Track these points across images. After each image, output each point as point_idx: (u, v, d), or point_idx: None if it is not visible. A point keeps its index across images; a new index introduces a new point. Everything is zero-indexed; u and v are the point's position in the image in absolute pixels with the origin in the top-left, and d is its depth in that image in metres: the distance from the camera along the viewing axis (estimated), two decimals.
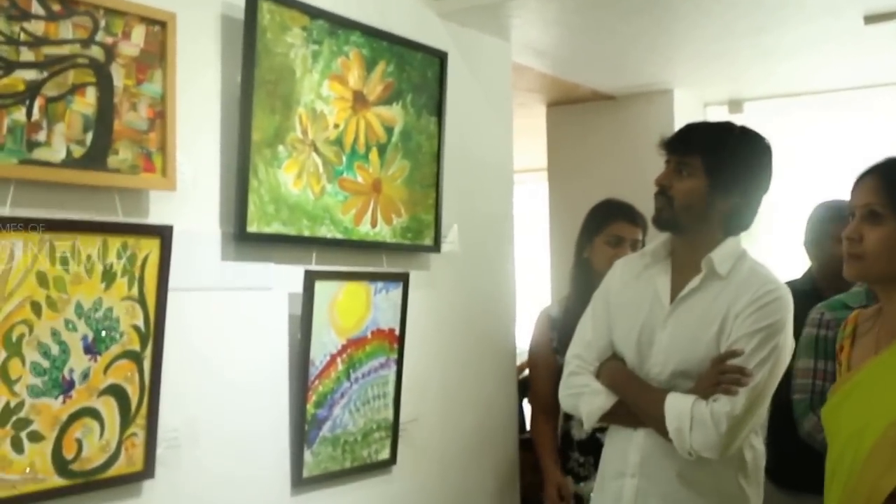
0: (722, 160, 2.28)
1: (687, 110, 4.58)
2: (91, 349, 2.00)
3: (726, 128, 2.37)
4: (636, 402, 2.31)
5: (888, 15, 3.29)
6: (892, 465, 1.82)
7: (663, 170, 2.35)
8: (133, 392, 2.08)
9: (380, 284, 2.74)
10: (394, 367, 2.81)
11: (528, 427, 3.57)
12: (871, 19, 3.33)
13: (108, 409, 2.03)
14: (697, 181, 2.28)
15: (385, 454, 2.80)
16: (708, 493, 2.27)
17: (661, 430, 2.23)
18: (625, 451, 2.36)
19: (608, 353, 2.41)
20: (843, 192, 2.08)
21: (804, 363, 2.87)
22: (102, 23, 2.03)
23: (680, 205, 2.29)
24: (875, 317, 2.04)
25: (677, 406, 2.21)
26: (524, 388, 3.59)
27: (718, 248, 2.29)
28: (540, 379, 3.32)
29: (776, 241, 5.09)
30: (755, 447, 2.35)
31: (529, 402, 3.49)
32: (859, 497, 1.86)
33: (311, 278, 2.51)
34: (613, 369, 2.38)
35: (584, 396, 2.38)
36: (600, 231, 3.27)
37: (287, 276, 2.51)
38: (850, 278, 2.04)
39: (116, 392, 2.05)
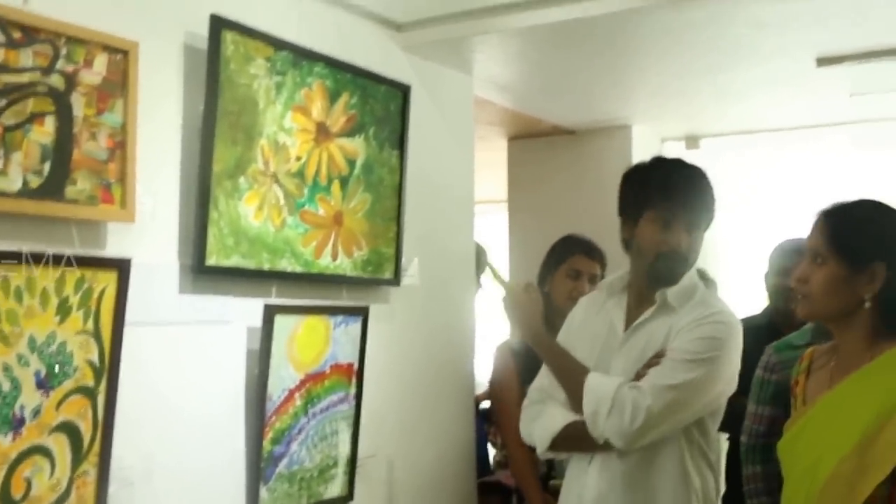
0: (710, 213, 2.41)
1: (645, 145, 4.61)
2: (43, 384, 1.92)
3: (673, 165, 2.45)
4: (556, 371, 2.38)
5: (839, 58, 3.35)
6: (844, 500, 1.84)
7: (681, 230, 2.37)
8: (86, 429, 2.01)
9: (339, 318, 2.69)
10: (352, 402, 2.76)
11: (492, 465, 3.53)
12: (823, 62, 3.39)
13: (60, 446, 1.96)
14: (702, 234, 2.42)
15: (342, 491, 2.74)
16: None
17: (579, 408, 2.28)
18: (581, 491, 2.37)
19: None
20: (795, 228, 2.13)
21: (750, 406, 2.90)
22: (63, 51, 1.97)
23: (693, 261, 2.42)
24: (830, 353, 2.08)
25: (600, 387, 2.25)
26: (483, 419, 3.56)
27: (675, 286, 2.36)
28: (508, 408, 3.27)
29: (731, 275, 5.12)
30: (706, 476, 2.35)
31: (500, 433, 3.44)
32: None
33: (270, 312, 2.46)
34: (548, 340, 2.47)
35: (538, 422, 2.41)
36: (560, 265, 3.34)
37: (246, 310, 2.46)
38: (801, 317, 2.12)
39: (68, 429, 1.98)
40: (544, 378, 2.49)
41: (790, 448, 2.06)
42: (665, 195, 2.32)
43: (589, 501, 2.32)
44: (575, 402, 2.30)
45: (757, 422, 2.85)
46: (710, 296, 2.38)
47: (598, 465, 2.33)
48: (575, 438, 2.33)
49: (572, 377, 2.33)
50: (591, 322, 2.47)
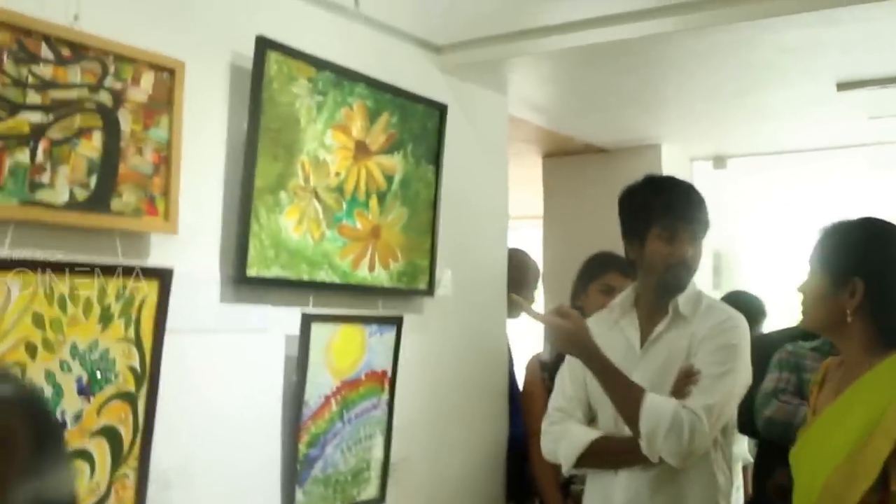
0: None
1: (674, 164, 4.50)
2: (85, 390, 1.86)
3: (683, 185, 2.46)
4: (610, 387, 2.24)
5: (858, 83, 3.29)
6: (842, 500, 1.80)
7: (685, 241, 2.36)
8: (126, 433, 1.94)
9: (374, 327, 2.61)
10: (385, 408, 2.67)
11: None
12: (843, 86, 3.33)
13: (100, 450, 1.89)
14: (701, 247, 2.41)
15: (374, 493, 2.66)
16: None
17: (631, 427, 2.20)
18: (608, 495, 2.29)
19: (588, 405, 2.39)
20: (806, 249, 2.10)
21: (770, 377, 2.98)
22: (112, 69, 1.91)
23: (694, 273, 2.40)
24: (839, 365, 2.06)
25: (658, 407, 2.16)
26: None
27: (684, 293, 2.35)
28: (536, 419, 3.18)
29: (755, 288, 4.99)
30: (727, 474, 2.32)
31: (526, 441, 3.34)
32: None
33: (307, 321, 2.38)
34: (605, 361, 2.30)
35: (563, 441, 2.34)
36: (594, 280, 3.25)
37: (284, 319, 2.39)
38: (801, 327, 2.12)
39: (109, 433, 1.91)
40: (561, 399, 2.43)
41: (797, 458, 2.03)
42: (667, 211, 2.33)
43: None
44: (629, 420, 2.19)
45: (783, 381, 2.97)
46: (714, 301, 2.42)
47: (627, 471, 2.27)
48: (603, 454, 2.27)
49: (629, 396, 2.20)
50: (604, 341, 2.35)
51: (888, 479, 1.75)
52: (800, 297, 2.00)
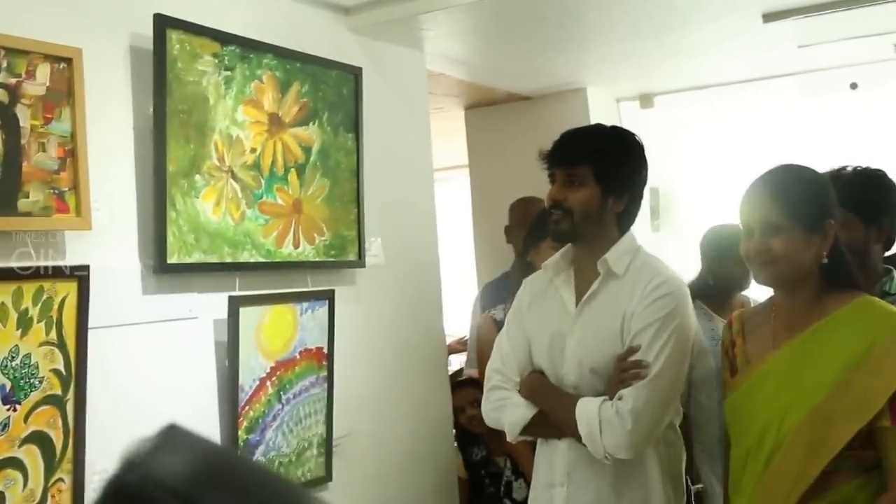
0: (610, 165, 2.29)
1: (600, 107, 4.60)
2: (9, 399, 1.90)
3: (605, 132, 2.38)
4: (553, 412, 2.28)
5: (785, 13, 3.35)
6: (820, 446, 1.90)
7: (554, 184, 2.32)
8: (57, 437, 1.99)
9: (305, 304, 2.67)
10: (324, 385, 2.75)
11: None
12: (769, 17, 3.39)
13: (31, 457, 1.94)
14: (591, 189, 2.27)
15: (320, 472, 2.74)
16: (634, 497, 2.25)
17: (577, 436, 2.20)
18: (552, 460, 2.34)
19: (526, 366, 2.38)
20: (747, 176, 2.12)
21: None
22: (4, 63, 1.92)
23: (578, 215, 2.28)
24: (764, 314, 2.15)
25: (586, 410, 2.18)
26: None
27: (613, 249, 2.29)
28: None
29: (686, 227, 5.11)
30: (671, 443, 2.32)
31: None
32: (786, 476, 1.94)
33: (235, 304, 2.43)
34: (532, 381, 2.35)
35: (506, 409, 2.35)
36: (546, 237, 3.28)
37: (211, 304, 2.44)
38: (765, 284, 2.11)
39: (39, 439, 1.96)
40: (498, 361, 2.42)
41: (745, 405, 2.09)
42: (545, 154, 2.33)
43: (561, 471, 2.30)
44: (571, 430, 2.21)
45: None
46: (651, 258, 2.34)
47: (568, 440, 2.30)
48: (545, 426, 2.31)
49: (564, 406, 2.23)
50: (540, 302, 2.41)
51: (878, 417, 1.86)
52: (763, 257, 2.01)
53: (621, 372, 2.20)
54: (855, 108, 4.78)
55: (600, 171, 2.27)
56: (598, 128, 2.43)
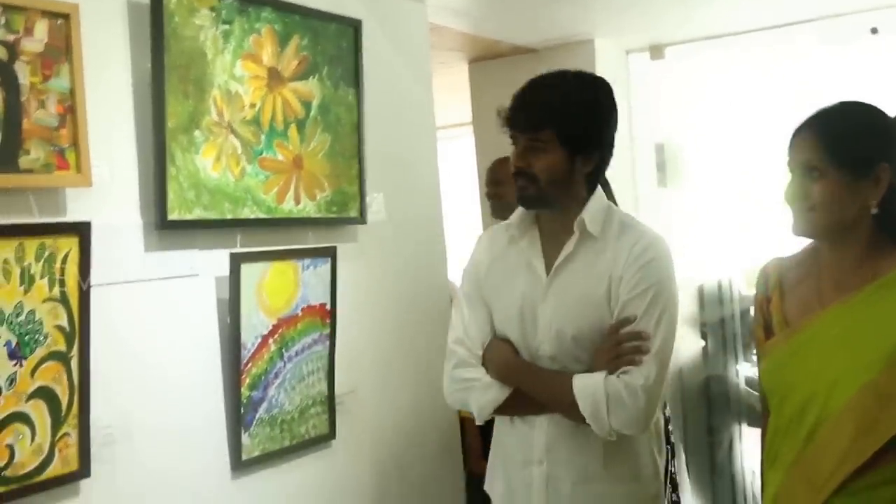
0: (576, 126, 2.17)
1: (608, 58, 4.62)
2: (15, 354, 2.00)
3: (568, 87, 2.20)
4: (537, 392, 2.21)
5: None
6: (872, 428, 1.79)
7: (515, 149, 2.22)
8: (62, 393, 2.09)
9: (307, 261, 2.76)
10: (327, 342, 2.84)
11: None
12: None
13: (38, 412, 2.05)
14: (556, 154, 2.17)
15: (324, 429, 2.85)
16: (622, 470, 2.22)
17: (574, 415, 2.13)
18: (529, 437, 2.25)
19: (488, 336, 2.29)
20: (764, 129, 2.00)
21: None
22: (2, 20, 2.00)
23: (545, 181, 2.18)
24: (807, 267, 2.00)
25: (589, 387, 2.11)
26: None
27: (587, 208, 2.20)
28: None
29: (689, 181, 5.14)
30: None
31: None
32: (830, 455, 1.84)
33: (236, 261, 2.52)
34: (503, 361, 2.25)
35: (475, 391, 2.24)
36: None
37: (212, 261, 2.53)
38: (801, 234, 1.96)
39: (45, 394, 2.06)
40: (461, 330, 2.31)
41: (778, 374, 1.98)
42: (504, 116, 2.22)
43: (540, 447, 2.23)
44: (568, 410, 2.14)
45: None
46: (626, 216, 2.27)
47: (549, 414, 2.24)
48: (519, 405, 2.23)
49: (558, 386, 2.15)
50: (501, 264, 2.31)
51: None
52: (802, 203, 1.89)
53: (617, 344, 2.13)
54: (875, 56, 4.78)
55: (565, 134, 2.16)
56: (561, 81, 2.23)
